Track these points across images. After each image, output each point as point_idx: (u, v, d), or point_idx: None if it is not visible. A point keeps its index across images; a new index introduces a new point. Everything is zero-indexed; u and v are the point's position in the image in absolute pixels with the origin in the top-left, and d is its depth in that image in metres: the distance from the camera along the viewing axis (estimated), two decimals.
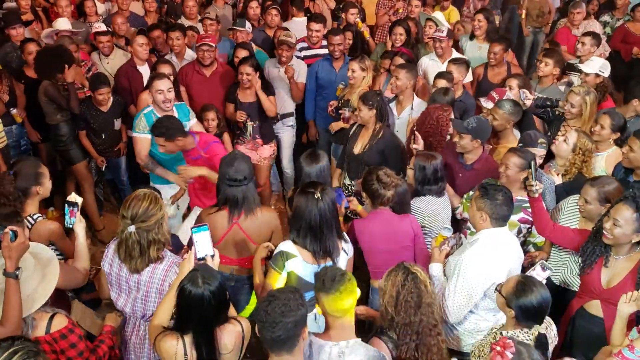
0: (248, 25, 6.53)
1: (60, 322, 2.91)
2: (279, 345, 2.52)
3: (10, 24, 6.32)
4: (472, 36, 6.70)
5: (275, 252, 3.33)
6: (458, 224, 4.38)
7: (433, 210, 4.10)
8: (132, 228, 3.01)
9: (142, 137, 4.74)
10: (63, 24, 6.45)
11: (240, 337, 2.82)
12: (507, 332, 2.90)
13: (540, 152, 4.23)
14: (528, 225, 4.04)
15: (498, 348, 2.42)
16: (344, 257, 3.42)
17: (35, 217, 3.61)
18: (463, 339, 3.43)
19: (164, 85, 4.73)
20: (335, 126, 5.57)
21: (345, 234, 3.51)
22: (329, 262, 3.32)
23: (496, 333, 2.98)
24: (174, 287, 2.83)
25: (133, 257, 3.09)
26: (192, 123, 4.95)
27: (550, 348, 3.00)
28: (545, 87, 5.60)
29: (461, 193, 4.38)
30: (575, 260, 3.77)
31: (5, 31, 6.39)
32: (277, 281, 3.28)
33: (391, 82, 5.21)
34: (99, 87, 5.41)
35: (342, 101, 5.61)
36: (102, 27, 6.31)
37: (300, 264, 3.29)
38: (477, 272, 3.27)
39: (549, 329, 3.00)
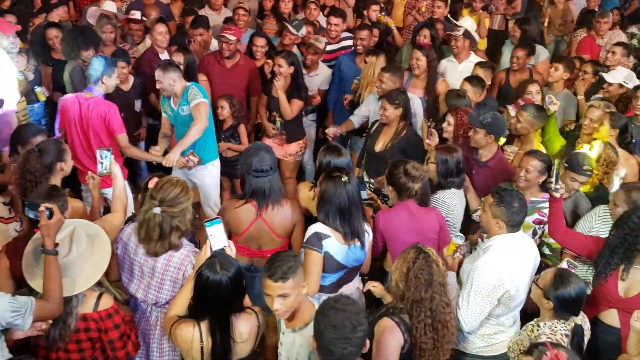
0: (303, 30, 6.43)
1: (107, 301, 2.96)
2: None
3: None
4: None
5: (309, 234, 3.36)
6: (471, 227, 4.38)
7: (456, 204, 4.12)
8: (157, 210, 3.04)
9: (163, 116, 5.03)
10: (110, 6, 6.53)
11: (256, 326, 2.84)
12: (545, 324, 2.97)
13: (581, 179, 4.07)
14: (542, 226, 4.03)
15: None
16: (368, 238, 3.51)
17: None
18: (473, 341, 3.40)
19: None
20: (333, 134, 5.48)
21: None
22: (358, 244, 3.39)
23: (533, 326, 3.03)
24: (191, 278, 2.85)
25: (152, 239, 3.10)
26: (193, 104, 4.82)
27: (585, 340, 3.05)
28: (556, 92, 5.57)
29: (475, 189, 4.35)
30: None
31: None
32: (318, 262, 3.31)
33: (377, 86, 5.21)
34: (117, 61, 5.38)
35: (356, 95, 5.66)
36: (138, 15, 6.35)
37: (334, 243, 3.33)
38: (491, 279, 3.22)
39: (583, 321, 3.04)
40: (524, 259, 3.36)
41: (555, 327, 2.93)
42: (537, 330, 3.00)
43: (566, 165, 4.06)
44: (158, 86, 4.73)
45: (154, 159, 4.85)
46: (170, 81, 4.67)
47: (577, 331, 2.92)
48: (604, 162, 4.23)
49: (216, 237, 2.97)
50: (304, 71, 5.97)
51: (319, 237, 3.32)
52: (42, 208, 2.79)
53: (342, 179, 3.32)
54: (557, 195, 3.66)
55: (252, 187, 3.55)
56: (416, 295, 2.92)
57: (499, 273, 3.23)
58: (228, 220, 3.58)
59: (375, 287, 3.42)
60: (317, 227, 3.36)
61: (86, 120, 4.54)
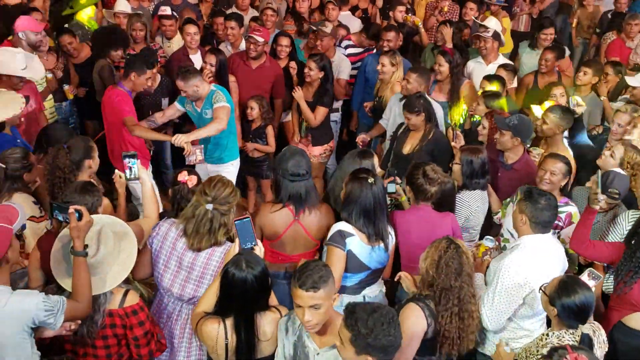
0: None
1: (133, 298, 2.98)
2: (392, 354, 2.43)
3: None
4: (532, 44, 6.60)
5: (332, 232, 3.35)
6: (492, 230, 4.35)
7: (478, 206, 4.10)
8: (209, 206, 3.10)
9: (174, 105, 5.08)
10: (122, 5, 6.59)
11: None
12: (553, 333, 2.91)
13: (604, 199, 3.72)
14: (558, 231, 3.99)
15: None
16: (392, 241, 3.49)
17: None
18: (493, 341, 3.38)
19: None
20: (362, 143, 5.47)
21: None
22: (381, 245, 3.37)
23: (543, 335, 2.98)
24: (219, 276, 2.85)
25: (199, 232, 3.13)
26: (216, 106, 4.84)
27: (600, 353, 2.97)
28: (584, 96, 5.51)
29: (498, 192, 4.34)
30: None
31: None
32: (340, 259, 3.29)
33: (402, 84, 5.22)
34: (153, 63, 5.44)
35: (377, 98, 5.68)
36: (168, 11, 6.40)
37: (357, 243, 3.32)
38: (517, 277, 3.22)
39: (597, 333, 2.97)
40: (552, 261, 3.34)
41: (563, 336, 2.86)
42: (546, 339, 2.94)
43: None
44: (183, 95, 4.76)
45: (162, 137, 4.85)
46: (194, 88, 4.70)
47: (584, 340, 2.85)
48: (627, 165, 4.12)
49: (245, 235, 2.98)
50: None
51: (342, 235, 3.31)
52: (71, 210, 2.82)
53: (369, 180, 3.31)
54: (597, 207, 3.54)
55: (289, 191, 3.53)
56: (446, 282, 2.95)
57: (525, 271, 3.22)
58: (263, 225, 3.58)
59: (407, 277, 3.38)
60: (341, 226, 3.35)
61: (104, 110, 4.69)
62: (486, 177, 4.13)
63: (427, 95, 4.95)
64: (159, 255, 3.27)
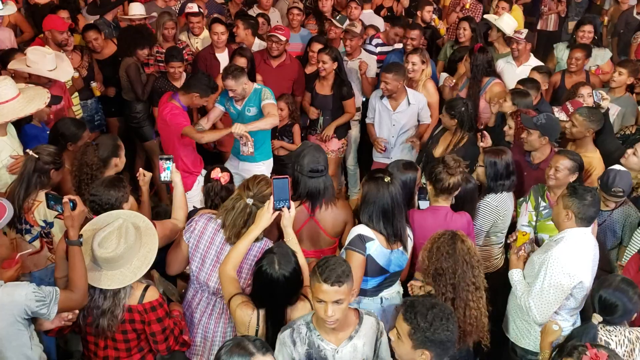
0: (347, 23, 6.46)
1: (153, 294, 3.00)
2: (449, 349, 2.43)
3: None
4: (571, 45, 6.44)
5: (352, 236, 3.31)
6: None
7: (506, 209, 4.03)
8: (250, 201, 3.16)
9: (216, 107, 5.05)
10: (136, 9, 6.61)
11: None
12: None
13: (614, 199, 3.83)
14: None
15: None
16: (410, 242, 3.45)
17: None
18: (535, 335, 3.37)
19: None
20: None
21: None
22: (400, 248, 3.34)
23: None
24: (251, 232, 3.02)
25: (236, 225, 3.17)
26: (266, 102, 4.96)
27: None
28: (618, 96, 5.42)
29: (524, 193, 4.27)
30: None
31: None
32: (360, 264, 3.26)
33: (382, 87, 5.24)
34: (171, 60, 5.53)
35: None
36: (195, 8, 6.42)
37: (377, 247, 3.28)
38: (565, 269, 3.22)
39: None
40: (593, 254, 3.37)
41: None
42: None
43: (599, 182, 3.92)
44: (231, 94, 4.80)
45: (225, 131, 4.79)
46: (243, 86, 4.77)
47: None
48: None
49: (280, 194, 3.03)
50: (345, 58, 6.05)
51: (362, 240, 3.26)
52: (65, 200, 2.87)
53: (385, 179, 3.26)
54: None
55: (308, 188, 3.51)
56: (437, 265, 2.96)
57: (574, 263, 3.23)
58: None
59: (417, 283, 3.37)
60: (361, 229, 3.29)
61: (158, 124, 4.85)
62: (511, 178, 4.04)
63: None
64: (196, 249, 3.29)
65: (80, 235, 2.88)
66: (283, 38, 5.76)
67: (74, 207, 2.86)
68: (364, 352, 2.77)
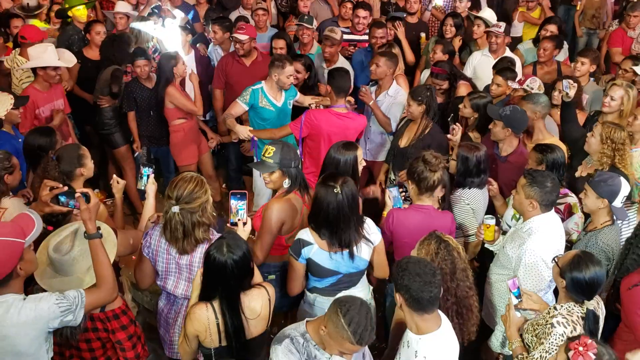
0: (315, 23, 6.49)
1: (115, 302, 2.91)
2: (433, 303, 2.67)
3: None
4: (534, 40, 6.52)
5: (294, 240, 3.31)
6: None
7: (481, 203, 4.03)
8: (175, 209, 3.03)
9: (240, 103, 5.04)
10: (123, 6, 6.66)
11: (267, 300, 2.85)
12: (562, 306, 2.96)
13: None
14: None
15: (580, 348, 2.41)
16: (367, 248, 3.34)
17: None
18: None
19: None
20: None
21: (372, 223, 3.42)
22: (346, 252, 3.26)
23: (550, 309, 3.01)
24: (203, 260, 2.88)
25: (177, 238, 3.09)
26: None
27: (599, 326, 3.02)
28: (583, 85, 5.45)
29: (499, 184, 4.21)
30: None
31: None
32: (297, 269, 3.30)
33: (371, 68, 5.27)
34: (135, 59, 5.46)
35: None
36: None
37: (316, 251, 3.25)
38: (544, 256, 3.30)
39: (598, 307, 3.03)
40: (561, 234, 3.48)
41: (572, 309, 2.91)
42: (554, 311, 2.96)
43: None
44: (297, 77, 4.97)
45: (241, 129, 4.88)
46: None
47: (588, 316, 2.90)
48: (607, 140, 4.05)
49: (235, 209, 3.09)
50: (323, 65, 6.08)
51: (300, 244, 3.25)
52: (78, 194, 2.81)
53: (335, 189, 3.15)
54: None
55: (294, 176, 3.57)
56: (442, 285, 2.89)
57: (547, 250, 3.30)
58: (285, 218, 3.53)
59: None
60: (303, 234, 3.28)
61: None
62: (481, 176, 3.99)
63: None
64: (157, 262, 3.24)
65: (99, 228, 2.79)
66: (242, 37, 5.75)
67: (87, 200, 2.79)
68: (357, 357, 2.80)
